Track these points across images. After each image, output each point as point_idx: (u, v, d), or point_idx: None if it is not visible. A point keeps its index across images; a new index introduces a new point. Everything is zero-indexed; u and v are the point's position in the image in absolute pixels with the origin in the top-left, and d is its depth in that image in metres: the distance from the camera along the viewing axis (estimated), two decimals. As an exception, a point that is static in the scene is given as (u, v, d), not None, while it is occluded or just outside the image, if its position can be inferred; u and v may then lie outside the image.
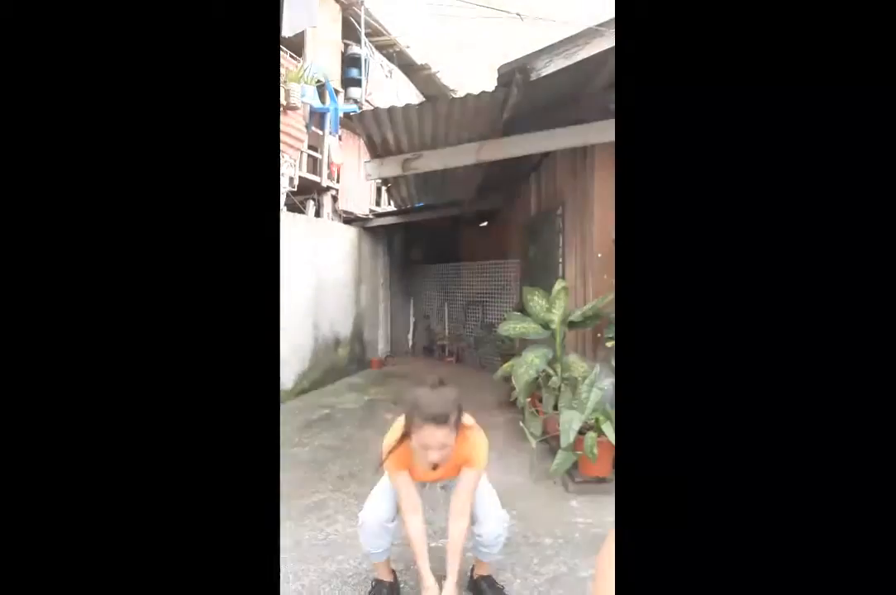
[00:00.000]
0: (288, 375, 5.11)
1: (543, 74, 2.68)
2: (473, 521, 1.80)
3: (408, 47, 8.25)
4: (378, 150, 3.76)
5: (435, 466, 1.67)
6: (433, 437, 1.53)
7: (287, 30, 4.62)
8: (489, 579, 1.94)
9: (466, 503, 1.72)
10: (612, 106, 2.38)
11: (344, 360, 6.29)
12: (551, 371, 3.30)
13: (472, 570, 1.98)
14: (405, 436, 1.64)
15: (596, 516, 2.57)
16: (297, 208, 5.97)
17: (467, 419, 1.70)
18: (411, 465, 1.71)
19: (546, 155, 4.51)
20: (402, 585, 2.01)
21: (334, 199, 6.53)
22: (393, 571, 1.98)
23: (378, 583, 1.93)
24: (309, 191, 6.18)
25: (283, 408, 4.77)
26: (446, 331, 7.62)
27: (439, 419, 1.53)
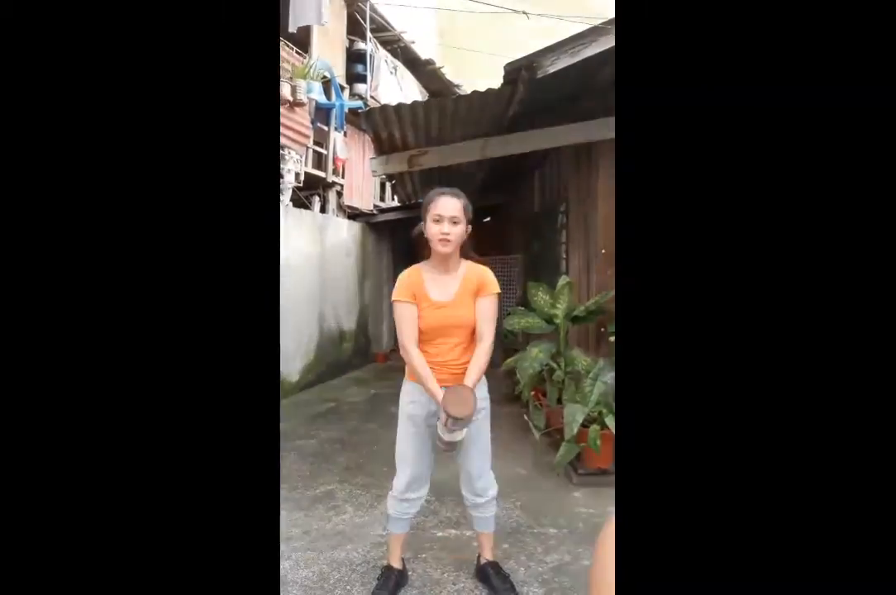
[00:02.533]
0: (294, 369, 5.16)
1: (549, 72, 2.70)
2: (464, 482, 1.94)
3: (412, 43, 8.24)
4: (384, 147, 3.79)
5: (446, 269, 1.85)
6: (446, 204, 1.77)
7: (294, 26, 4.63)
8: (495, 566, 1.98)
9: (490, 328, 1.85)
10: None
11: (349, 354, 6.33)
12: (555, 365, 3.34)
13: (478, 557, 2.03)
14: (416, 270, 1.85)
15: (599, 507, 2.62)
16: (302, 204, 6.00)
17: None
18: (423, 294, 1.82)
19: (549, 151, 4.53)
20: (410, 573, 2.06)
21: (339, 194, 6.56)
22: (402, 559, 2.03)
23: (387, 569, 1.98)
24: (314, 186, 6.20)
25: (289, 401, 4.82)
26: (450, 326, 7.61)
27: (453, 193, 1.81)
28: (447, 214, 1.76)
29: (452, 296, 1.82)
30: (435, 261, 1.85)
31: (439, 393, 1.74)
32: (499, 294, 1.87)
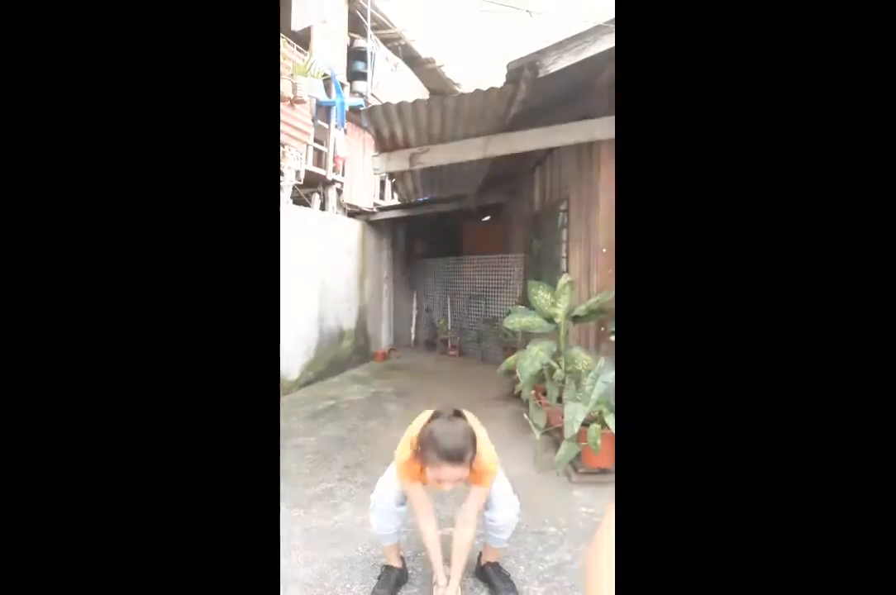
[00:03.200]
0: (293, 367, 5.15)
1: (552, 71, 2.70)
2: (487, 507, 1.85)
3: (413, 41, 8.23)
4: (385, 145, 3.79)
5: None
6: (449, 474, 1.54)
7: (296, 24, 4.62)
8: (496, 566, 1.98)
9: (473, 514, 1.77)
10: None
11: (348, 353, 6.33)
12: (555, 364, 3.34)
13: (480, 556, 2.03)
14: (417, 453, 1.64)
15: (599, 506, 2.62)
16: (302, 201, 5.99)
17: (480, 434, 1.70)
18: (422, 478, 1.71)
19: (551, 150, 4.53)
20: (410, 572, 2.06)
21: (339, 192, 6.55)
22: (402, 558, 2.03)
23: (387, 569, 1.98)
24: (314, 184, 6.19)
25: (288, 399, 4.82)
26: (449, 324, 7.65)
27: (455, 458, 1.52)
28: (450, 480, 1.57)
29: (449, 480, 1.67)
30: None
31: (440, 567, 1.79)
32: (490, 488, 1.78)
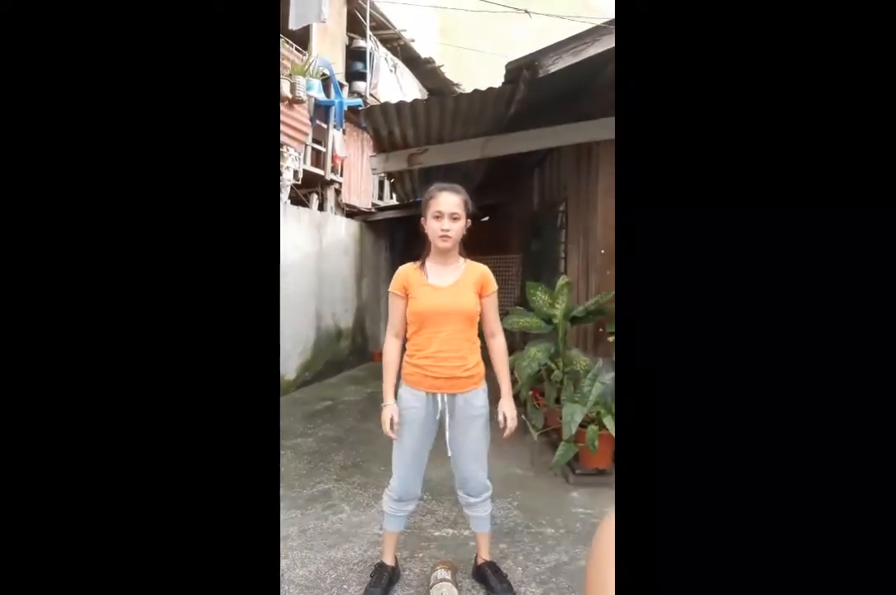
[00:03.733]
0: (290, 367, 5.15)
1: (551, 71, 2.70)
2: (458, 484, 1.94)
3: (412, 41, 8.23)
4: (384, 145, 3.79)
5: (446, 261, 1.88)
6: (447, 201, 1.79)
7: (295, 23, 4.62)
8: (493, 566, 1.98)
9: (497, 323, 1.95)
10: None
11: (345, 353, 6.32)
12: (553, 365, 3.34)
13: (476, 556, 2.03)
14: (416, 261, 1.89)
15: (596, 507, 2.62)
16: (301, 201, 5.99)
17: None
18: (419, 285, 1.85)
19: (549, 151, 4.53)
20: (405, 572, 2.05)
21: (337, 192, 6.55)
22: (395, 556, 2.03)
23: (380, 566, 1.98)
24: (313, 184, 6.19)
25: (286, 399, 4.82)
26: (447, 325, 7.63)
27: (452, 188, 1.83)
28: (447, 210, 1.79)
29: (452, 282, 1.84)
30: (435, 256, 1.87)
31: (391, 387, 1.85)
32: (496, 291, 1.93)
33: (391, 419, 1.79)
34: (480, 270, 1.90)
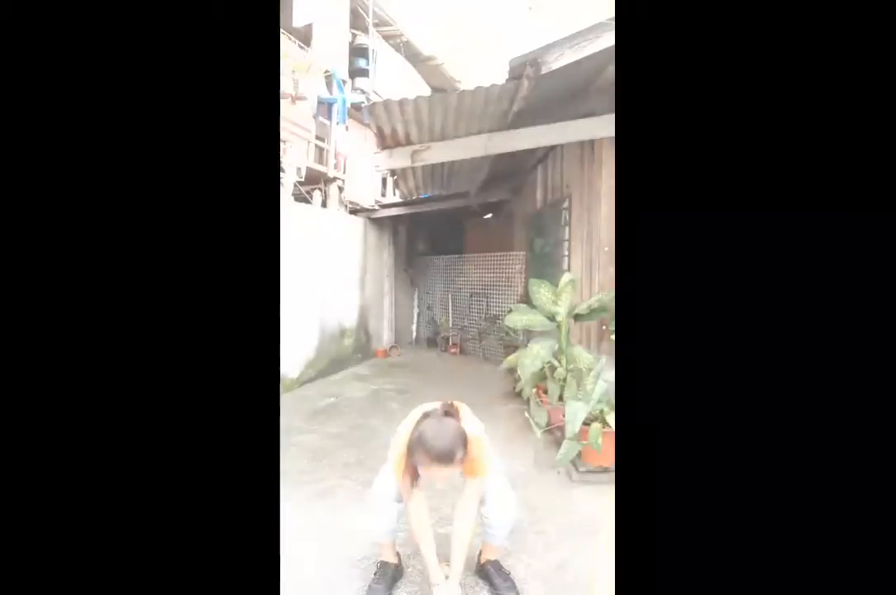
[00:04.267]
0: (294, 364, 5.15)
1: (554, 68, 2.69)
2: (483, 502, 1.85)
3: (415, 38, 8.21)
4: (387, 142, 3.78)
5: None
6: (440, 474, 1.57)
7: (298, 20, 4.61)
8: (496, 564, 1.98)
9: (471, 508, 1.77)
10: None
11: (349, 350, 6.33)
12: (556, 363, 3.33)
13: (479, 554, 2.03)
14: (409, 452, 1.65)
15: (599, 504, 2.61)
16: (304, 198, 5.99)
17: (469, 428, 1.68)
18: (415, 474, 1.73)
19: (553, 148, 4.52)
20: (408, 569, 2.06)
21: (340, 189, 6.54)
22: (398, 554, 2.03)
23: (383, 564, 1.98)
24: (316, 181, 6.19)
25: (289, 396, 4.82)
26: (450, 322, 7.65)
27: (445, 460, 1.54)
28: (441, 480, 1.63)
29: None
30: None
31: (435, 565, 1.77)
32: (485, 479, 1.78)
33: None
34: (473, 454, 1.67)
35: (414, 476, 1.72)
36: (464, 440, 1.59)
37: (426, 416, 1.66)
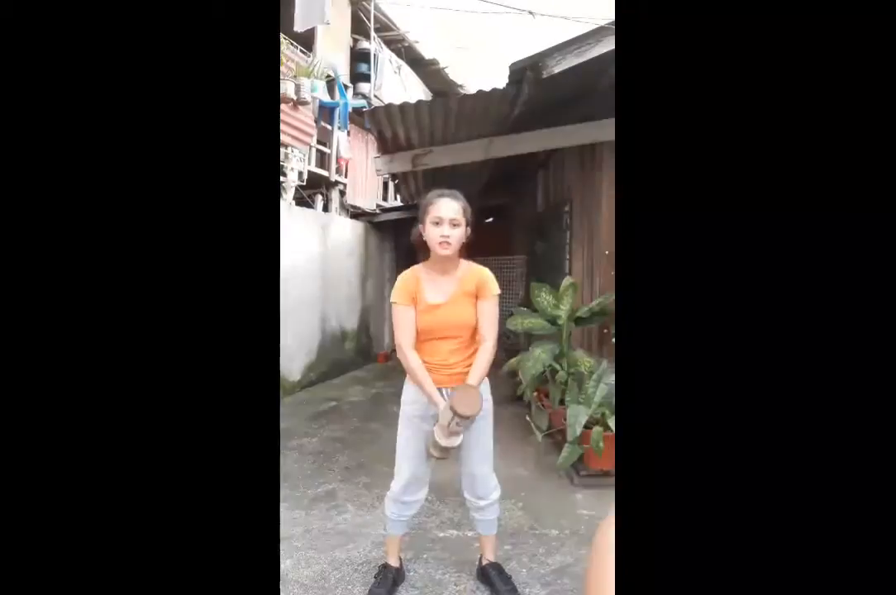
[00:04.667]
0: (295, 368, 5.16)
1: (555, 72, 2.70)
2: (466, 487, 1.92)
3: (416, 42, 8.25)
4: (388, 146, 3.79)
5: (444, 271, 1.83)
6: (447, 207, 1.76)
7: (299, 26, 4.64)
8: (497, 567, 1.98)
9: (492, 329, 1.84)
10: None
11: (350, 354, 6.33)
12: (558, 366, 3.33)
13: (480, 558, 2.03)
14: (414, 270, 1.86)
15: (601, 508, 2.61)
16: (305, 203, 6.00)
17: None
18: (420, 296, 1.82)
19: (553, 152, 4.53)
20: (410, 573, 2.05)
21: (342, 193, 6.56)
22: (400, 557, 2.03)
23: (385, 567, 1.98)
24: (317, 185, 6.20)
25: (290, 399, 4.83)
26: (451, 326, 7.64)
27: (451, 195, 1.79)
28: (447, 217, 1.75)
29: (448, 297, 1.81)
30: (433, 263, 1.83)
31: (436, 395, 1.76)
32: (499, 295, 1.86)
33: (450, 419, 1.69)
34: (478, 276, 1.85)
35: (411, 300, 1.82)
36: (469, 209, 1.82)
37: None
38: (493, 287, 1.84)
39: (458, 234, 1.77)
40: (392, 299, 1.83)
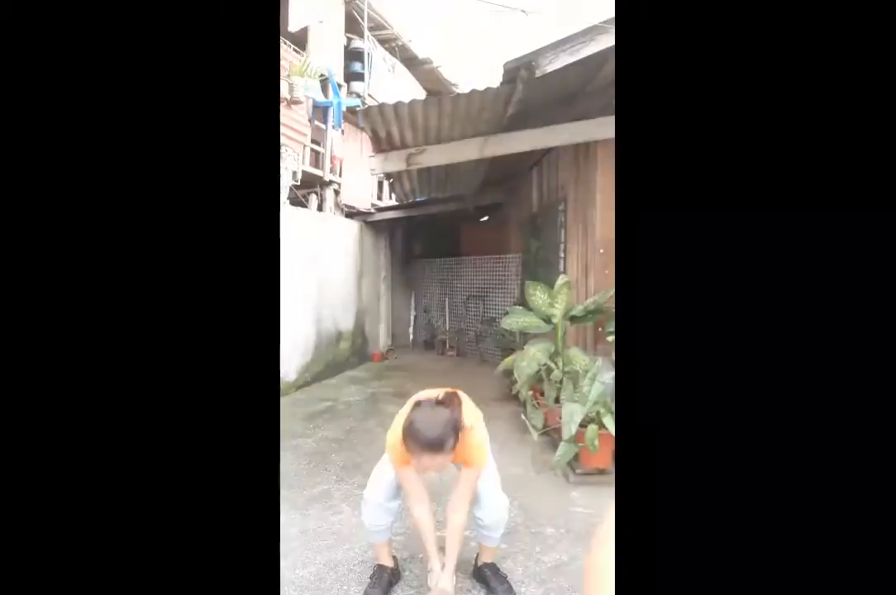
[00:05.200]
0: (291, 368, 5.14)
1: (548, 71, 2.70)
2: (475, 503, 1.85)
3: (410, 41, 8.23)
4: (382, 145, 3.78)
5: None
6: (431, 462, 1.58)
7: (293, 24, 4.62)
8: (493, 567, 1.98)
9: (465, 499, 1.76)
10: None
11: (346, 354, 6.32)
12: (553, 365, 3.34)
13: (476, 557, 2.02)
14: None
15: (596, 506, 2.61)
16: (299, 202, 5.99)
17: (466, 418, 1.68)
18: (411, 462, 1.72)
19: (548, 150, 4.53)
20: (405, 572, 2.05)
21: (336, 193, 6.54)
22: (394, 557, 2.03)
23: (380, 568, 1.98)
24: (312, 185, 6.19)
25: (286, 400, 4.81)
26: (447, 325, 7.65)
27: (435, 447, 1.54)
28: (433, 468, 1.63)
29: (438, 466, 1.68)
30: None
31: (434, 558, 1.76)
32: (481, 469, 1.78)
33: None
34: (469, 447, 1.69)
35: (409, 462, 1.71)
36: (455, 428, 1.59)
37: (418, 405, 1.66)
38: (480, 458, 1.74)
39: (445, 466, 1.67)
40: (391, 461, 1.78)
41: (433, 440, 1.54)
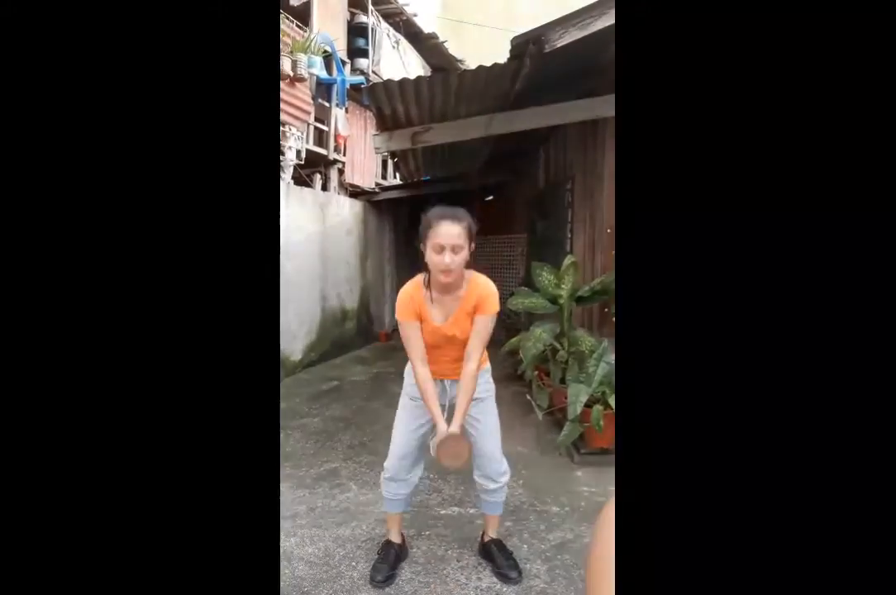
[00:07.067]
0: (296, 348, 5.17)
1: (557, 46, 2.64)
2: (476, 467, 1.93)
3: (415, 16, 8.07)
4: (387, 123, 3.73)
5: (446, 314, 1.79)
6: (448, 231, 1.63)
7: (295, -2, 4.53)
8: (499, 543, 2.01)
9: (479, 348, 1.79)
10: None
11: (351, 333, 6.34)
12: (558, 345, 3.34)
13: (482, 534, 2.05)
14: (416, 285, 1.79)
15: (601, 486, 2.64)
16: (303, 181, 5.94)
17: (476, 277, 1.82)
18: (423, 315, 1.78)
19: (555, 128, 4.46)
20: (413, 550, 2.08)
21: (341, 172, 6.49)
22: (402, 534, 2.06)
23: (387, 544, 2.01)
24: (316, 164, 6.13)
25: (292, 379, 4.85)
26: (452, 305, 7.64)
27: (453, 216, 1.66)
28: (448, 243, 1.64)
29: (450, 317, 1.78)
30: (436, 283, 1.75)
31: (438, 416, 1.76)
32: (497, 313, 1.80)
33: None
34: (480, 291, 1.77)
35: (415, 315, 1.78)
36: (470, 224, 1.71)
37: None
38: (493, 304, 1.78)
39: (461, 259, 1.68)
40: (397, 316, 1.80)
41: (451, 211, 1.68)
